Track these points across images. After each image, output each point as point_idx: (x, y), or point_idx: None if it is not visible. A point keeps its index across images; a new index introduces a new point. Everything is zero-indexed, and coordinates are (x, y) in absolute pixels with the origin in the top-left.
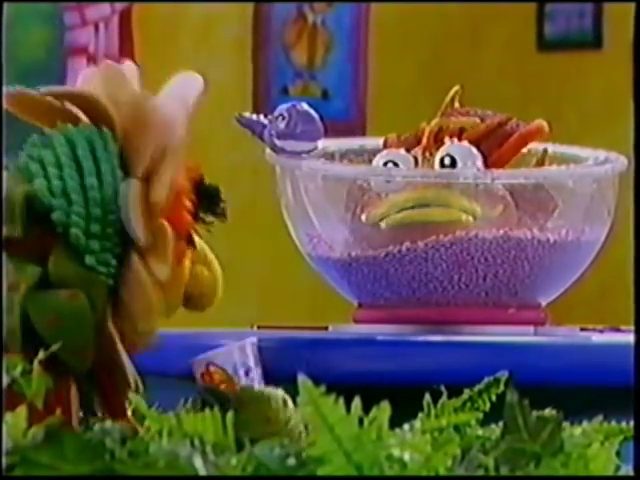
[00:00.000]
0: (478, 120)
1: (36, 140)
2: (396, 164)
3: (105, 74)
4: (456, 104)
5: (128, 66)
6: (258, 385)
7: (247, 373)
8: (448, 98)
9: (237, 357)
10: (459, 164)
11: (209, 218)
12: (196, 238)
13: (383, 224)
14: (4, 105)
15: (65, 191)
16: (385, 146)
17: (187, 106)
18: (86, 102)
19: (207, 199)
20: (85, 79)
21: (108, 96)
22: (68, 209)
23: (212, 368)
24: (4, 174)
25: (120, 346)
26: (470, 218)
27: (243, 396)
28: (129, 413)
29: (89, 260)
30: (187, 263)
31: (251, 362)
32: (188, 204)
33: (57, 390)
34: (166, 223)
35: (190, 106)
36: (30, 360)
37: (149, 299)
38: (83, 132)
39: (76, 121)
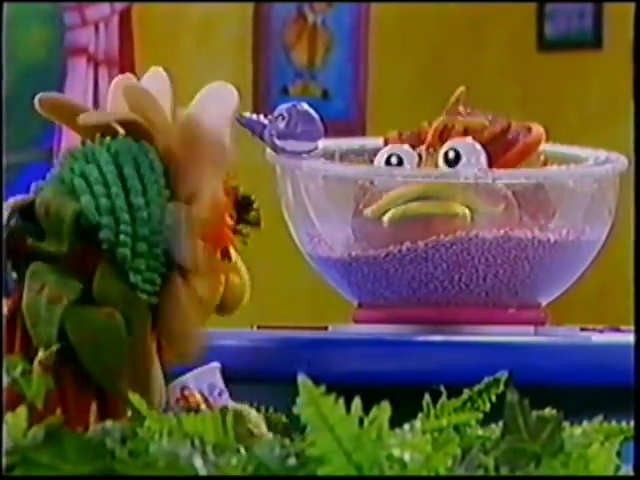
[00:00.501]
0: (484, 119)
1: (77, 153)
2: (400, 158)
3: (132, 96)
4: (460, 107)
5: (159, 75)
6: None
7: (220, 394)
8: (453, 99)
9: (208, 379)
10: (463, 158)
11: (245, 229)
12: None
13: (386, 218)
14: (39, 109)
15: (113, 210)
16: (385, 145)
17: (229, 123)
18: (128, 126)
19: (244, 210)
20: (113, 99)
21: (144, 116)
22: (116, 228)
23: (187, 392)
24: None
25: (155, 365)
26: (472, 212)
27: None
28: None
29: (134, 278)
30: (223, 276)
31: (221, 384)
32: (229, 220)
33: (79, 405)
34: (209, 244)
35: (230, 122)
36: (59, 372)
37: (188, 319)
38: (127, 147)
39: (114, 132)
